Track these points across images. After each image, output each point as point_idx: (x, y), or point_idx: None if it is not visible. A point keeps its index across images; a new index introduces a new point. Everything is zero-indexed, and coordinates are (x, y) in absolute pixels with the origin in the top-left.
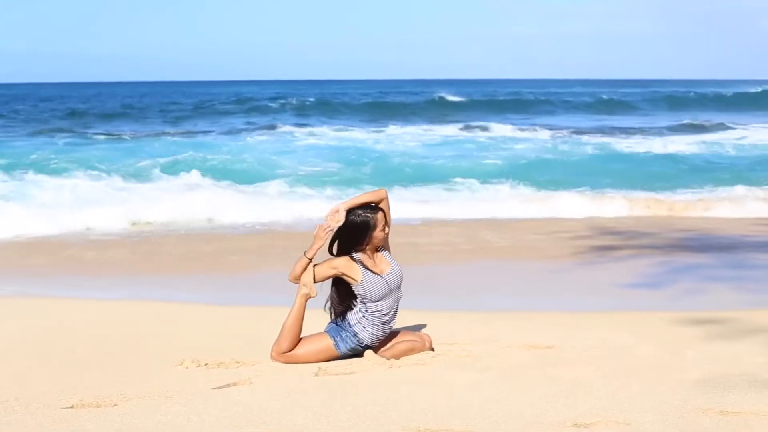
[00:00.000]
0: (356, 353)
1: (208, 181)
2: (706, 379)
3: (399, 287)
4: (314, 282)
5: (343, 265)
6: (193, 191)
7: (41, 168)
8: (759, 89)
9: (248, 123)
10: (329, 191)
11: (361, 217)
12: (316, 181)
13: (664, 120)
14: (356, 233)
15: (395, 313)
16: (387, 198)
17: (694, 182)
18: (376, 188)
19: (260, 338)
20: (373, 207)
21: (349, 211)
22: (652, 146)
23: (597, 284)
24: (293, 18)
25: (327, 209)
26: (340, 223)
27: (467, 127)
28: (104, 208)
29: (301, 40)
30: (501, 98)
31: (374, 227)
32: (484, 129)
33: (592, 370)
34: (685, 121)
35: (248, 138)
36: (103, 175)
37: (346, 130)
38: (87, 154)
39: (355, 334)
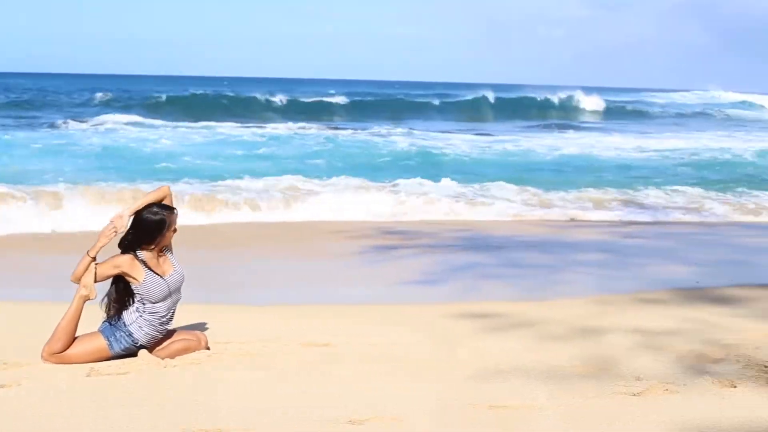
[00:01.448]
0: (130, 353)
1: None
2: (477, 374)
3: (179, 290)
4: (96, 281)
5: (127, 265)
6: None
7: None
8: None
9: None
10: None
11: (158, 216)
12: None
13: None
14: (151, 231)
15: (173, 314)
16: (170, 194)
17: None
18: (156, 187)
19: (30, 338)
20: (169, 207)
21: (145, 209)
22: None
23: (374, 281)
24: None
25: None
26: (125, 229)
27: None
28: None
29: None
30: None
31: (169, 227)
32: (262, 127)
33: (367, 367)
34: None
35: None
36: None
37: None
38: None
39: (130, 334)
